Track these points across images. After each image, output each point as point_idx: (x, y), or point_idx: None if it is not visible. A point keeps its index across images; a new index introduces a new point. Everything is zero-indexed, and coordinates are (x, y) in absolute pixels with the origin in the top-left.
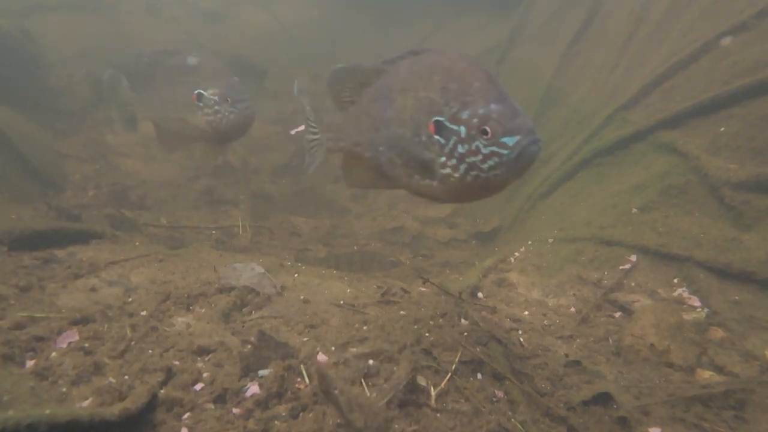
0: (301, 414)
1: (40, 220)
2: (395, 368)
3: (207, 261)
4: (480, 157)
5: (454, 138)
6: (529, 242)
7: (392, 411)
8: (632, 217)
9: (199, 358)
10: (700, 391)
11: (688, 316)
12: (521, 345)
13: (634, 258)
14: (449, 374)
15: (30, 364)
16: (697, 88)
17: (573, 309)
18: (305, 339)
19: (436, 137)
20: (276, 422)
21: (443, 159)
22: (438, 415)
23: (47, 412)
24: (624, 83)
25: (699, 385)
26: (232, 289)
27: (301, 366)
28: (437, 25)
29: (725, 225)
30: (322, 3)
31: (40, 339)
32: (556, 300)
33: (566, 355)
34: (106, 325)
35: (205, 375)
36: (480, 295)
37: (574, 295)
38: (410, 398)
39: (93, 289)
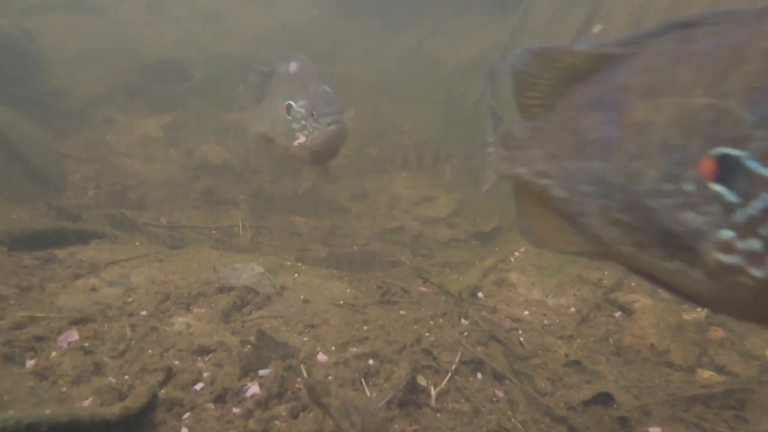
0: (301, 414)
1: (40, 220)
2: (395, 368)
3: (207, 261)
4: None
5: (763, 194)
6: None
7: (392, 411)
8: None
9: (199, 358)
10: (700, 391)
11: (688, 316)
12: (521, 345)
13: None
14: (449, 374)
15: (30, 363)
16: None
17: (573, 309)
18: (305, 339)
19: (717, 187)
20: (276, 422)
21: (726, 233)
22: (438, 415)
23: (47, 411)
24: None
25: (699, 385)
26: (232, 289)
27: (301, 366)
28: (437, 25)
29: None
30: (322, 3)
31: (40, 339)
32: (556, 300)
33: (566, 355)
34: (106, 325)
35: (205, 375)
36: (480, 295)
37: (574, 294)
38: (410, 398)
39: (93, 289)
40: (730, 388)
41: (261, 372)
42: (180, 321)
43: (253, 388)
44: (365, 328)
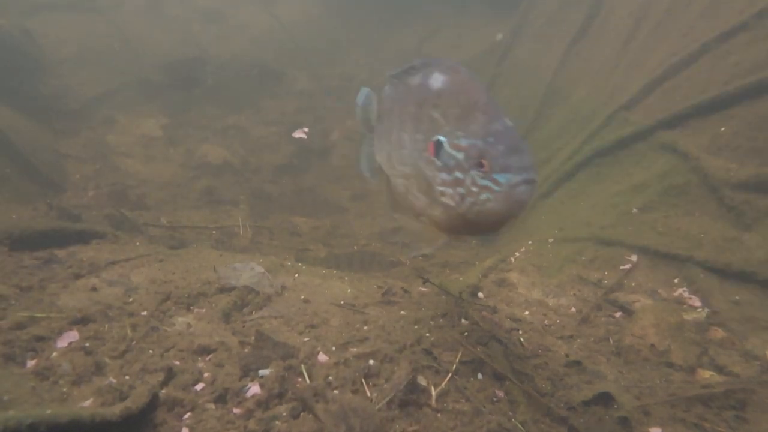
0: (301, 414)
1: (41, 220)
2: (396, 368)
3: (207, 261)
4: (475, 188)
5: (451, 161)
6: (530, 242)
7: (392, 411)
8: (632, 217)
9: (199, 358)
10: (701, 391)
11: (688, 316)
12: (522, 345)
13: (634, 258)
14: (450, 374)
15: (31, 364)
16: (697, 88)
17: (573, 309)
18: (305, 339)
19: (434, 158)
20: (277, 422)
21: (441, 182)
22: (438, 415)
23: (48, 412)
24: (624, 83)
25: (699, 385)
26: (232, 289)
27: (302, 366)
28: (437, 25)
29: (725, 225)
30: (322, 3)
31: (40, 339)
32: (557, 300)
33: (567, 355)
34: (106, 325)
35: (205, 375)
36: (480, 295)
37: (574, 295)
38: (411, 398)
39: (93, 289)
40: (730, 388)
41: (261, 372)
42: (180, 321)
43: (254, 389)
44: (365, 328)
